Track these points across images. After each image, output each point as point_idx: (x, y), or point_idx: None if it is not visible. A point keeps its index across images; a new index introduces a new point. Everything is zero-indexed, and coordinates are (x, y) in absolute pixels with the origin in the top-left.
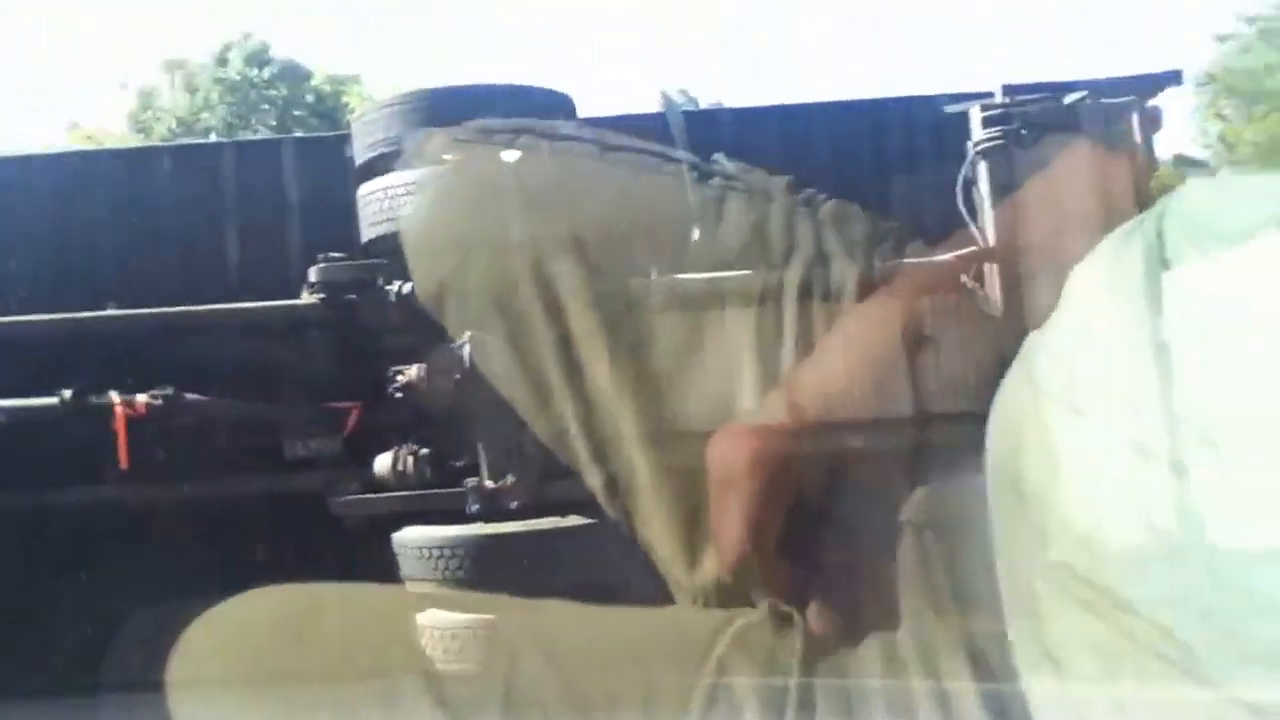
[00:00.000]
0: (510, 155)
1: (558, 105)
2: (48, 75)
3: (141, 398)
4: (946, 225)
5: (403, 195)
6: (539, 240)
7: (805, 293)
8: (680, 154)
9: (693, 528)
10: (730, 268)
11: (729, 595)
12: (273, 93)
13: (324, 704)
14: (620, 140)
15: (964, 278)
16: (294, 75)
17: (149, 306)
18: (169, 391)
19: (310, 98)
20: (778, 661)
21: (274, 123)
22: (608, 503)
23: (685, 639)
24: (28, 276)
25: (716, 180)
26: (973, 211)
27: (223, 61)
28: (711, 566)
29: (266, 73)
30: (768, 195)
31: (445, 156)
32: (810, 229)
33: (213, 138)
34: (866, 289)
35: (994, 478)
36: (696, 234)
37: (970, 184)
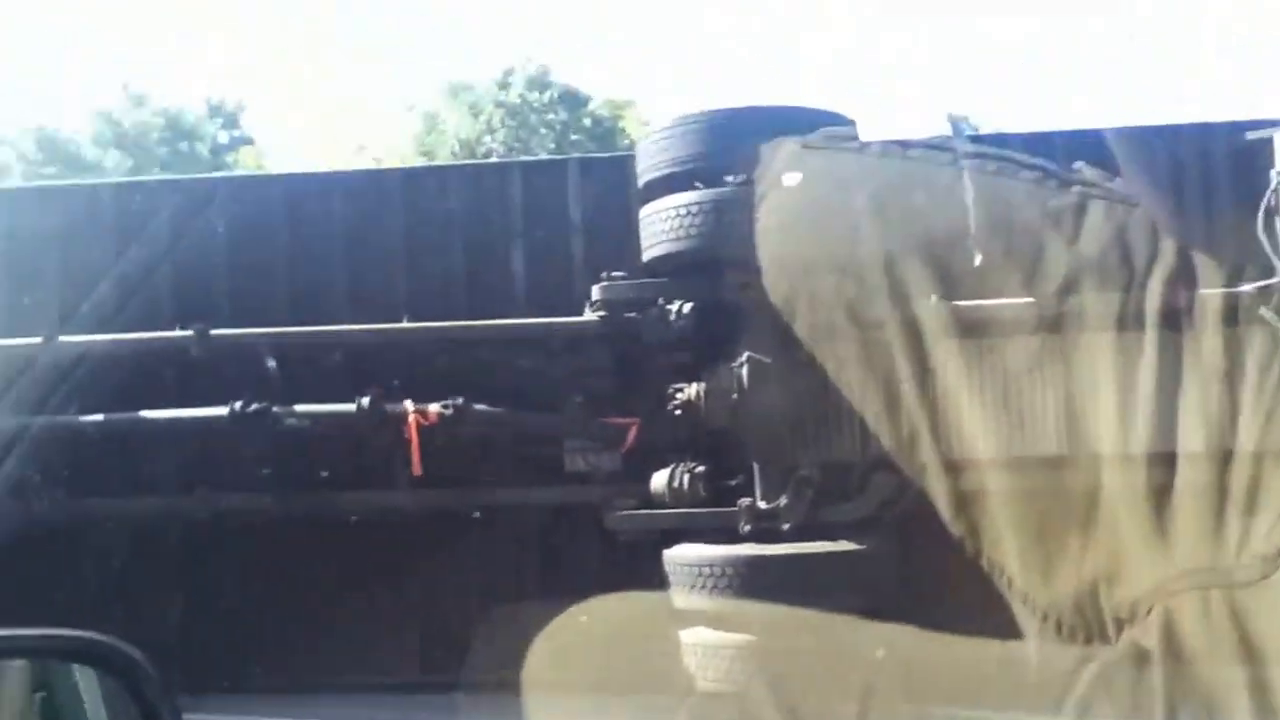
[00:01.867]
0: (861, 163)
1: (846, 128)
2: (338, 99)
3: (433, 407)
4: (1242, 254)
5: (686, 215)
6: (891, 245)
7: (1168, 315)
8: (1039, 161)
9: (1046, 546)
10: (1088, 275)
11: (1083, 614)
12: (552, 117)
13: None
14: (975, 148)
15: (1263, 310)
16: (573, 100)
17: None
18: (459, 401)
19: (588, 121)
20: (1140, 705)
21: (552, 145)
22: (953, 516)
23: (1040, 676)
24: (328, 290)
25: (1076, 188)
26: (1274, 241)
27: (504, 85)
28: (1066, 584)
29: (546, 96)
30: (1129, 203)
31: (791, 168)
32: (1175, 246)
33: (493, 160)
34: (1231, 311)
35: None
36: (1052, 242)
37: (1273, 213)
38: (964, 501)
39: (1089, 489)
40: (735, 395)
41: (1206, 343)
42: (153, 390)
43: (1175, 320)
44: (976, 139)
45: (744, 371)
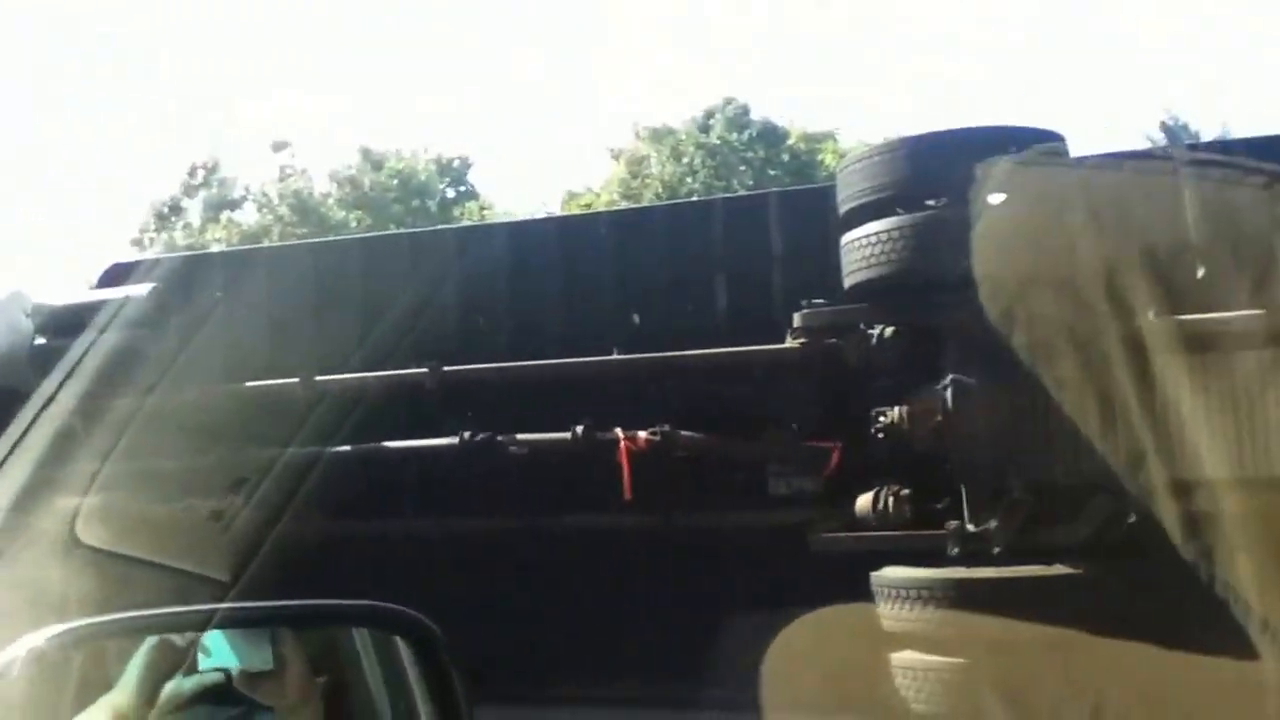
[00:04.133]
0: (1076, 178)
1: (1054, 144)
2: (549, 149)
3: (642, 434)
4: None
5: (887, 241)
6: (1110, 260)
7: None
8: (1268, 166)
9: None
10: None
11: None
12: (750, 154)
13: None
14: (1194, 156)
15: None
16: (771, 136)
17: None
18: (665, 428)
19: (785, 157)
20: None
21: (751, 183)
22: (1183, 538)
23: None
24: (544, 326)
25: None
26: None
27: (705, 128)
28: None
29: (746, 135)
30: None
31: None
32: None
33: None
34: None
35: None
36: None
37: None
38: (1195, 523)
39: None
40: (940, 417)
41: None
42: (392, 422)
43: None
44: (1195, 146)
45: (949, 393)
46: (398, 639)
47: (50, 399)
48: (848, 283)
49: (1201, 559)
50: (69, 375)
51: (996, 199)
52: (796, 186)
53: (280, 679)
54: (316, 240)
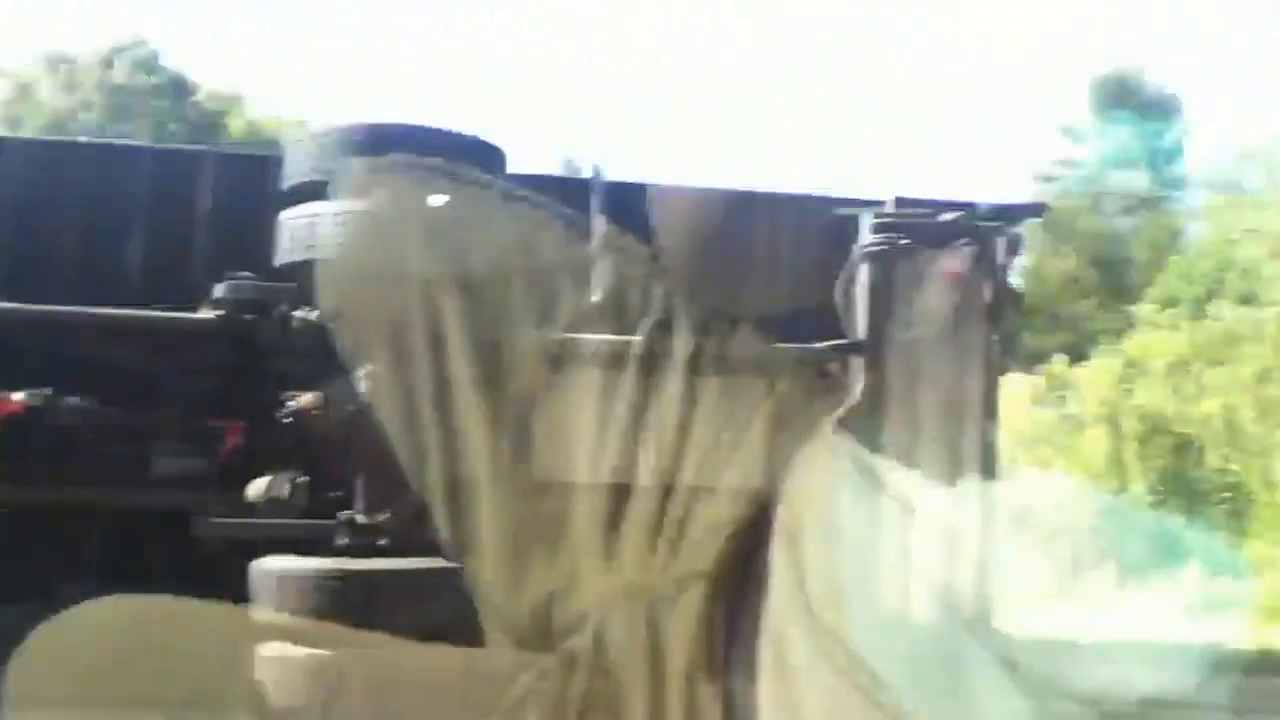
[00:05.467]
0: (429, 194)
1: (489, 155)
2: None
3: (18, 396)
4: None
5: (323, 225)
6: (431, 275)
7: (649, 360)
8: (567, 211)
9: (520, 559)
10: (592, 322)
11: (538, 624)
12: (156, 103)
13: None
14: (522, 193)
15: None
16: (180, 89)
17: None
18: (47, 392)
19: (192, 114)
20: (560, 706)
21: (152, 132)
22: (450, 531)
23: (490, 680)
24: None
25: (595, 241)
26: (848, 307)
27: (109, 64)
28: (528, 599)
29: (153, 81)
30: (639, 257)
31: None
32: (663, 297)
33: (82, 139)
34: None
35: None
36: (568, 288)
37: (850, 282)
38: (459, 516)
39: (563, 513)
40: (352, 406)
41: (670, 388)
42: None
43: (653, 366)
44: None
45: (360, 384)
46: None
47: None
48: (279, 261)
49: (459, 548)
50: None
51: (349, 199)
52: (234, 150)
53: None
54: None
